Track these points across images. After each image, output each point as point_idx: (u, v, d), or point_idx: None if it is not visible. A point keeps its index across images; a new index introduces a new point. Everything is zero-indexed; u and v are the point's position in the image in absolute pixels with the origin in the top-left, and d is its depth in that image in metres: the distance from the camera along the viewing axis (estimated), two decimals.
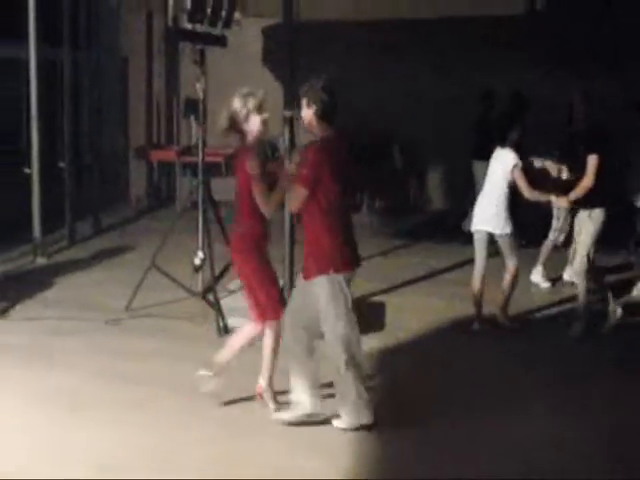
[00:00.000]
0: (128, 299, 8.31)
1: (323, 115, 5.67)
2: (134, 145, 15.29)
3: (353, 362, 5.63)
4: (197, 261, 8.23)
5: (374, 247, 11.37)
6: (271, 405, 5.97)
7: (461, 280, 9.75)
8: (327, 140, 5.69)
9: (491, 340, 7.77)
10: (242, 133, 5.90)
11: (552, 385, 6.66)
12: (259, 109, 5.87)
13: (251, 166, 5.75)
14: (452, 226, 12.18)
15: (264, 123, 5.90)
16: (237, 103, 5.88)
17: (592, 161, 7.64)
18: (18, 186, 10.90)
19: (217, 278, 8.26)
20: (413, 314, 8.47)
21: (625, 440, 5.67)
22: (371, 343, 7.54)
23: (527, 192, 7.91)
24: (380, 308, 8.65)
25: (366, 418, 5.66)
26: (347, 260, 5.70)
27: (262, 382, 5.99)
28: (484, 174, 11.42)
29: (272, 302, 5.92)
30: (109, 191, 13.57)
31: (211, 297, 8.08)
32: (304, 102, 5.72)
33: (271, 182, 5.80)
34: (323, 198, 5.58)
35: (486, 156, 11.23)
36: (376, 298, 9.02)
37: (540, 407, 6.22)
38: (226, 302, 7.92)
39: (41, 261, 10.38)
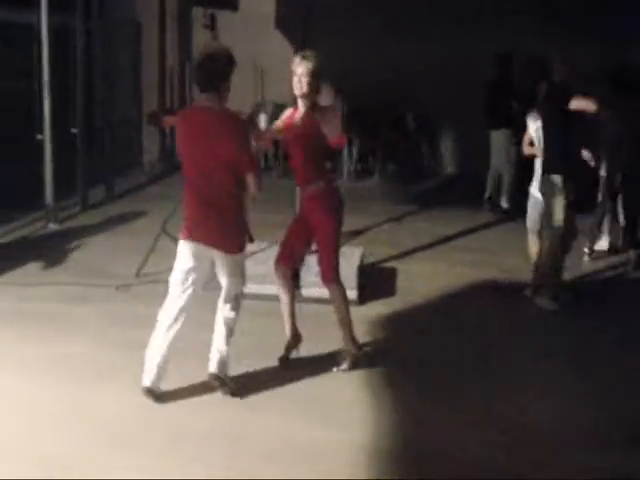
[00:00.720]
0: (138, 265, 8.34)
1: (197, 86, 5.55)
2: (147, 111, 15.27)
3: None
4: None
5: (385, 213, 11.41)
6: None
7: (470, 246, 9.80)
8: (185, 110, 5.69)
9: (503, 305, 7.78)
10: None
11: (564, 354, 6.63)
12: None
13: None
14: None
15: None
16: None
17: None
18: (31, 152, 10.93)
19: None
20: (423, 280, 8.48)
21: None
22: (382, 308, 7.61)
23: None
24: (391, 273, 8.68)
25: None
26: (187, 230, 5.59)
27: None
28: (500, 144, 11.46)
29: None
30: (122, 157, 13.58)
31: None
32: None
33: None
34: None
35: (502, 124, 11.28)
36: (386, 264, 9.05)
37: (547, 378, 6.21)
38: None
39: (53, 227, 10.41)
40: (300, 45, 13.30)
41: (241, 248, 5.66)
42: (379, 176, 14.34)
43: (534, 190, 8.00)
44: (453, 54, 13.90)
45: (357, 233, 10.20)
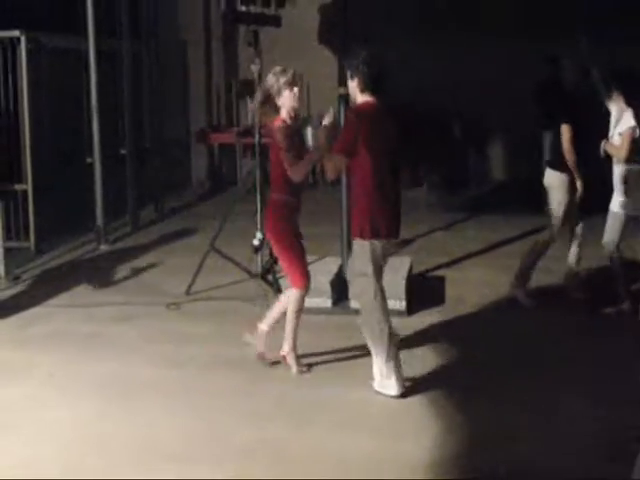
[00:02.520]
0: (188, 283, 8.41)
1: (365, 87, 5.81)
2: (195, 129, 15.41)
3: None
4: (256, 242, 8.28)
5: (434, 221, 11.38)
6: (294, 369, 6.23)
7: (520, 253, 9.67)
8: (363, 108, 5.85)
9: (556, 313, 7.66)
10: (276, 107, 6.15)
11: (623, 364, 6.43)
12: (290, 84, 6.09)
13: (279, 137, 6.01)
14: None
15: (295, 97, 6.12)
16: (270, 80, 6.13)
17: None
18: (81, 175, 11.11)
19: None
20: (472, 288, 8.42)
21: None
22: (431, 317, 7.57)
23: None
24: (440, 282, 8.64)
25: (392, 389, 5.79)
26: (377, 228, 5.82)
27: (286, 347, 6.27)
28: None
29: (293, 271, 6.23)
30: (171, 176, 13.71)
31: (270, 278, 8.14)
32: (348, 75, 5.93)
33: (300, 153, 6.08)
34: (360, 162, 5.79)
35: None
36: (436, 272, 9.01)
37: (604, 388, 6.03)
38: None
39: (104, 248, 10.55)
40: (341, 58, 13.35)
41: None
42: (426, 184, 14.28)
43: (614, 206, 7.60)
44: (499, 58, 13.79)
45: (406, 242, 10.17)
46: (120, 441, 5.28)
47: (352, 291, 7.09)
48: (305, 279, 6.18)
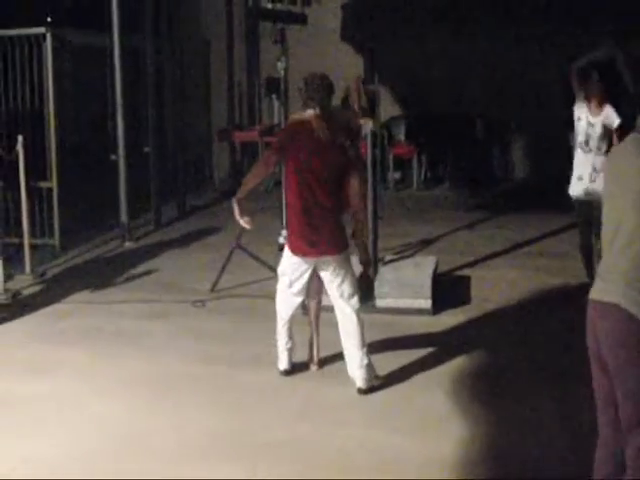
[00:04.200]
0: (213, 280, 8.41)
1: (303, 103, 5.93)
2: (216, 127, 15.41)
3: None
4: (281, 240, 8.29)
5: (457, 220, 11.33)
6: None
7: (545, 251, 9.66)
8: (293, 122, 6.05)
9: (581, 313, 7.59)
10: None
11: None
12: None
13: None
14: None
15: None
16: None
17: None
18: (104, 172, 11.15)
19: None
20: (498, 287, 8.36)
21: None
22: (456, 317, 7.54)
23: None
24: (466, 281, 8.61)
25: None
26: (294, 244, 5.89)
27: None
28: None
29: None
30: (194, 174, 13.72)
31: None
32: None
33: None
34: (287, 176, 5.99)
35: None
36: (461, 271, 8.98)
37: None
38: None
39: (129, 245, 10.58)
40: (369, 56, 13.39)
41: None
42: (449, 183, 14.25)
43: None
44: (522, 58, 13.74)
45: (429, 242, 10.16)
46: (150, 440, 5.28)
47: None
48: None
